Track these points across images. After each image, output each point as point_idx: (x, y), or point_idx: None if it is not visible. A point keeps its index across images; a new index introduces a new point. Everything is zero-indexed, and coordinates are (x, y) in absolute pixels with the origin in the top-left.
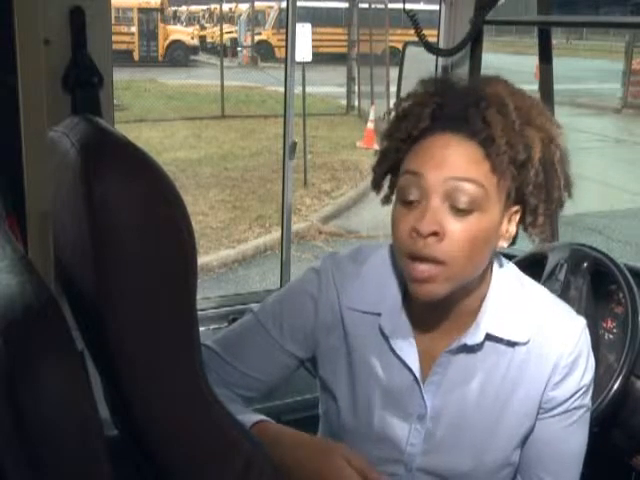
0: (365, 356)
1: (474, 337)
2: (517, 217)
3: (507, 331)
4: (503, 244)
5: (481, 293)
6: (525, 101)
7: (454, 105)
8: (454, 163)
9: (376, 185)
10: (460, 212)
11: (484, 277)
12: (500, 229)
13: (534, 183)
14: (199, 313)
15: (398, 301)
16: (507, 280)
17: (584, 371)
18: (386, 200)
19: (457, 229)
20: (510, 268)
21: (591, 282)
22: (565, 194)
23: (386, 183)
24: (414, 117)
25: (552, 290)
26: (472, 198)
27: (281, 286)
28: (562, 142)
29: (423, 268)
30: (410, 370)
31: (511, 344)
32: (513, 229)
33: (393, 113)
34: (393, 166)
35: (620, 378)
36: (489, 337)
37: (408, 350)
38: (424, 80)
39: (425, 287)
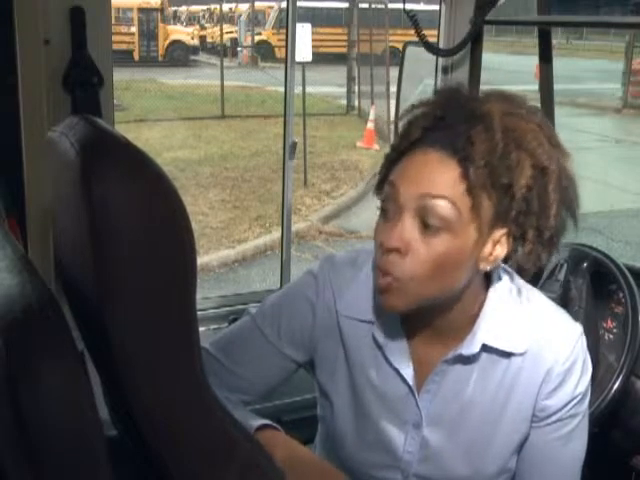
0: (361, 363)
1: (470, 348)
2: (506, 240)
3: (504, 342)
4: (486, 267)
5: (474, 306)
6: (520, 124)
7: (450, 119)
8: (429, 180)
9: (378, 190)
10: (429, 230)
11: (473, 292)
12: (482, 252)
13: (520, 209)
14: (199, 313)
15: None
16: (505, 289)
17: (579, 379)
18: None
19: (422, 248)
20: (507, 274)
21: (591, 282)
22: (561, 221)
23: None
24: (412, 127)
25: (552, 290)
26: (443, 216)
27: (281, 286)
28: (563, 169)
29: (383, 280)
30: (404, 379)
31: (507, 354)
32: (500, 252)
33: (404, 118)
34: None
35: (620, 378)
36: (485, 348)
37: (402, 360)
38: (440, 89)
39: (385, 298)
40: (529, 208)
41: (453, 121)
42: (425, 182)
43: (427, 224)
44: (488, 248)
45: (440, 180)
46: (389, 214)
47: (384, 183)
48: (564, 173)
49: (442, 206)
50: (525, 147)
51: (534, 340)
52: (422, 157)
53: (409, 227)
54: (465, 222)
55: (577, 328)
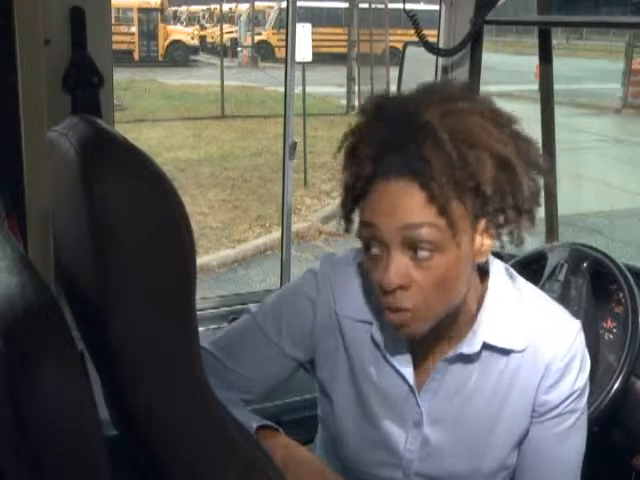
0: (361, 362)
1: (471, 346)
2: (491, 227)
3: (504, 340)
4: (482, 259)
5: (473, 305)
6: (464, 121)
7: (395, 141)
8: (403, 211)
9: (347, 228)
10: (421, 257)
11: (473, 289)
12: (474, 248)
13: (494, 198)
14: (199, 313)
15: None
16: (503, 286)
17: (577, 374)
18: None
19: (421, 275)
20: (505, 272)
21: (591, 282)
22: (534, 185)
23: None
24: (360, 160)
25: (552, 290)
26: (429, 241)
27: (281, 286)
28: (518, 140)
29: (396, 317)
30: (405, 379)
31: (507, 351)
32: (489, 241)
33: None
34: (354, 206)
35: (620, 378)
36: (486, 346)
37: (402, 359)
38: (362, 108)
39: (405, 330)
40: (502, 193)
41: (399, 141)
42: (400, 214)
43: (417, 252)
44: (478, 241)
45: (412, 208)
46: (376, 253)
47: (349, 219)
48: (520, 143)
49: (424, 232)
50: (477, 144)
51: (533, 337)
52: (386, 188)
53: (402, 261)
54: (449, 236)
55: (575, 324)
